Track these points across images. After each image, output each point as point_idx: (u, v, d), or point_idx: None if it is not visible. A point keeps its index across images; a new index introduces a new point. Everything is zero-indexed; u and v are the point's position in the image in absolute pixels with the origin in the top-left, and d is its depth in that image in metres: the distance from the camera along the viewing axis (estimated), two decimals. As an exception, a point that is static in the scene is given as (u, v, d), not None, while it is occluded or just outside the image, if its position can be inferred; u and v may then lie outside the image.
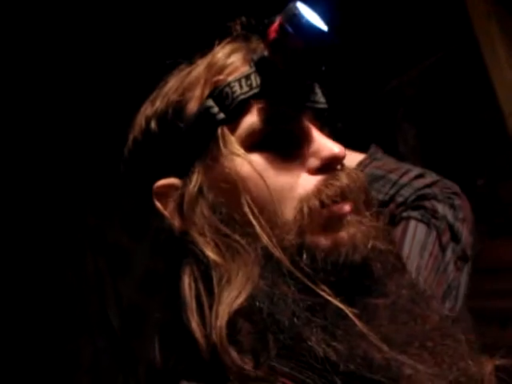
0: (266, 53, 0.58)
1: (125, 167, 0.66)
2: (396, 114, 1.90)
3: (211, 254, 0.56)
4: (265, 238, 0.55)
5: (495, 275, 1.56)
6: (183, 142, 0.60)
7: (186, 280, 0.57)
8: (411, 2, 1.68)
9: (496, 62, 1.64)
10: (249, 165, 0.57)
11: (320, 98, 0.62)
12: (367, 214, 0.60)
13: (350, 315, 0.53)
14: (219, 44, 0.63)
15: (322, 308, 0.54)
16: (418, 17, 1.71)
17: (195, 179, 0.59)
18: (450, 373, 0.55)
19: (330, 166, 0.58)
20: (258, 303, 0.53)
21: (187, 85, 0.62)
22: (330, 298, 0.54)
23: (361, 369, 0.51)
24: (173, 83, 0.63)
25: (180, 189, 0.60)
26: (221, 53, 0.62)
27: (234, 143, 0.58)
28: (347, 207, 0.58)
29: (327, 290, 0.54)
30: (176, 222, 0.60)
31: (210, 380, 0.52)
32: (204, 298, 0.55)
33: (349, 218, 0.57)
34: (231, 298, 0.53)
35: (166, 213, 0.61)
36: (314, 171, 0.58)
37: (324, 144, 0.59)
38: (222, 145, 0.58)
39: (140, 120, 0.64)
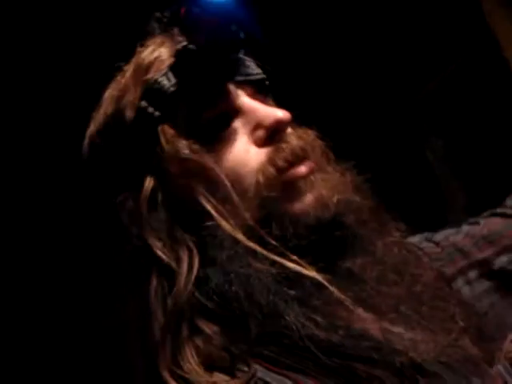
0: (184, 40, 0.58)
1: (86, 187, 0.66)
2: (422, 125, 1.86)
3: (166, 256, 0.55)
4: (223, 223, 0.54)
5: None
6: (130, 151, 0.60)
7: (152, 290, 0.55)
8: (425, 10, 1.65)
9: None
10: (196, 156, 0.56)
11: (253, 69, 0.62)
12: (330, 169, 0.59)
13: (324, 282, 0.51)
14: (141, 45, 0.63)
15: (298, 280, 0.52)
16: (435, 24, 1.69)
17: (148, 185, 0.58)
18: (440, 337, 0.52)
19: (277, 132, 0.57)
20: (233, 288, 0.51)
21: (120, 93, 0.61)
22: (298, 268, 0.52)
23: (344, 340, 0.49)
24: (107, 95, 0.63)
25: (136, 199, 0.59)
26: (145, 51, 0.62)
27: (176, 139, 0.57)
28: (304, 167, 0.56)
29: (298, 260, 0.52)
30: (135, 232, 0.58)
31: None
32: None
33: (311, 177, 0.56)
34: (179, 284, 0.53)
35: (133, 224, 0.59)
36: (263, 142, 0.58)
37: (265, 112, 0.58)
38: (164, 143, 0.57)
39: (87, 140, 0.64)
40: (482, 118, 1.69)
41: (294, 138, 0.58)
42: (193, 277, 0.54)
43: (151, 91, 0.58)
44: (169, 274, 0.55)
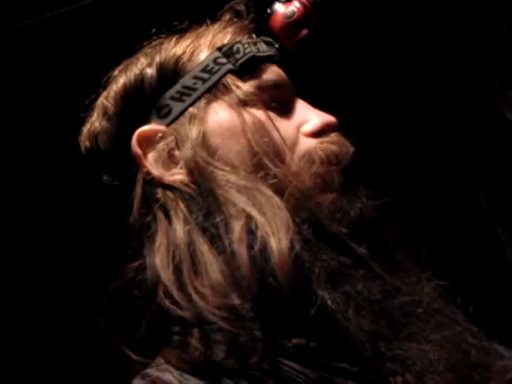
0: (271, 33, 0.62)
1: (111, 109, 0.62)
2: (494, 83, 1.73)
3: (222, 196, 0.52)
4: (275, 182, 0.53)
5: None
6: (180, 89, 0.59)
7: (167, 236, 0.53)
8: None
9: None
10: (257, 114, 0.57)
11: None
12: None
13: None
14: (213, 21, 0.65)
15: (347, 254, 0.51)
16: None
17: (197, 124, 0.57)
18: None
19: (326, 131, 0.59)
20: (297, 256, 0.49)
21: (190, 42, 0.61)
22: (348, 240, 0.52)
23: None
24: (172, 40, 0.62)
25: (170, 135, 0.57)
26: (217, 24, 0.63)
27: (246, 90, 0.58)
28: (336, 170, 0.57)
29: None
30: (159, 171, 0.56)
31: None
32: (198, 249, 0.51)
33: (340, 177, 0.57)
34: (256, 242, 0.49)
35: (145, 162, 0.57)
36: (311, 135, 0.59)
37: (320, 112, 0.61)
38: (232, 91, 0.58)
39: (132, 70, 0.61)
40: None
41: (340, 139, 0.60)
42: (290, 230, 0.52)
43: (231, 48, 0.60)
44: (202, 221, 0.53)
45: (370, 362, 0.48)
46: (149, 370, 0.50)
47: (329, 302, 0.47)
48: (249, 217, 0.51)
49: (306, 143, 0.58)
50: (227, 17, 0.64)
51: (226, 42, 0.61)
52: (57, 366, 1.48)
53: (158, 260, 0.52)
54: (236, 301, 0.50)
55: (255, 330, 0.47)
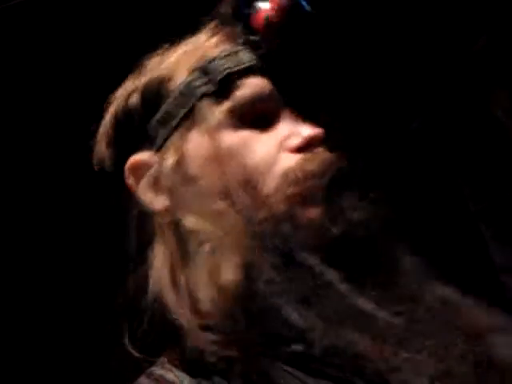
0: (255, 33, 0.59)
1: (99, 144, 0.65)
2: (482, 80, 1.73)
3: (191, 224, 0.55)
4: (245, 209, 0.54)
5: None
6: (163, 114, 0.60)
7: (159, 257, 0.56)
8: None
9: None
10: (232, 138, 0.58)
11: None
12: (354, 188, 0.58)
13: (330, 274, 0.51)
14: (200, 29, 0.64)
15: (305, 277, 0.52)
16: None
17: (173, 152, 0.59)
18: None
19: (311, 145, 0.59)
20: (252, 282, 0.51)
21: (173, 60, 0.62)
22: (314, 264, 0.52)
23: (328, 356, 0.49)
24: (157, 59, 0.64)
25: (156, 163, 0.59)
26: (204, 34, 0.63)
27: (218, 116, 0.58)
28: (325, 181, 0.57)
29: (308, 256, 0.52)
30: (148, 199, 0.59)
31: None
32: (179, 273, 0.54)
33: (324, 194, 0.57)
34: (222, 270, 0.52)
35: (137, 190, 0.59)
36: (294, 150, 0.59)
37: (305, 124, 0.60)
38: (205, 117, 0.58)
39: (121, 94, 0.64)
40: None
41: (324, 152, 0.59)
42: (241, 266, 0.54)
43: (206, 67, 0.60)
44: (183, 243, 0.55)
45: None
46: (153, 369, 0.53)
47: (300, 323, 0.49)
48: (209, 246, 0.54)
49: (286, 161, 0.58)
50: (213, 24, 0.64)
51: (207, 56, 0.61)
52: (57, 366, 1.48)
53: (156, 277, 0.55)
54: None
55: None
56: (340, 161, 0.59)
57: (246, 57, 0.60)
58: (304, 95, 0.63)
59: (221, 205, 0.55)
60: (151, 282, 0.56)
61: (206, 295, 0.52)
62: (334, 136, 0.62)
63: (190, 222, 0.55)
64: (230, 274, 0.52)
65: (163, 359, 0.54)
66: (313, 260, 0.53)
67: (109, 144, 0.63)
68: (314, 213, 0.56)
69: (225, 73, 0.59)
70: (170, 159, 0.58)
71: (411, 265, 0.58)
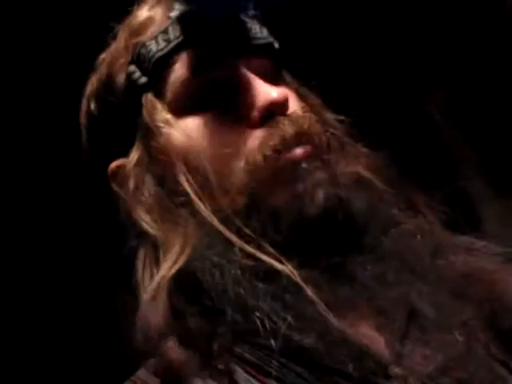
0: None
1: (84, 154, 0.63)
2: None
3: (153, 230, 0.53)
4: (201, 207, 0.51)
5: None
6: (119, 118, 0.57)
7: (140, 263, 0.54)
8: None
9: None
10: (181, 132, 0.54)
11: (259, 34, 0.56)
12: (333, 158, 0.53)
13: (298, 280, 0.47)
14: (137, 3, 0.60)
15: (274, 275, 0.48)
16: None
17: (136, 155, 0.56)
18: (440, 354, 0.46)
19: (271, 114, 0.53)
20: (205, 276, 0.49)
21: (112, 56, 0.59)
22: (273, 262, 0.48)
23: (316, 344, 0.45)
24: (102, 58, 0.61)
25: (129, 168, 0.57)
26: (139, 11, 0.59)
27: (160, 110, 0.54)
28: (292, 155, 0.52)
29: (274, 254, 0.49)
30: (132, 209, 0.56)
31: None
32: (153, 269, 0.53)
33: (302, 165, 0.51)
34: (163, 270, 0.51)
35: (123, 196, 0.57)
36: (256, 124, 0.53)
37: (260, 91, 0.53)
38: (148, 114, 0.55)
39: (82, 103, 0.62)
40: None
41: (288, 122, 0.53)
42: (183, 254, 0.51)
43: (139, 56, 0.55)
44: (156, 247, 0.53)
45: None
46: (138, 371, 0.50)
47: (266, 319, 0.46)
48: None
49: (245, 144, 0.53)
50: (146, 4, 0.59)
51: (140, 40, 0.56)
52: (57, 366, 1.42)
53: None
54: None
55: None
56: (307, 117, 0.55)
57: (174, 33, 0.55)
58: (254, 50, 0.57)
59: (179, 210, 0.53)
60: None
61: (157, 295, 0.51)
62: (300, 96, 0.58)
63: (151, 230, 0.54)
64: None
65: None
66: (284, 256, 0.49)
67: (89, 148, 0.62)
68: (284, 195, 0.51)
69: (154, 59, 0.55)
70: (132, 163, 0.56)
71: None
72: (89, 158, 0.63)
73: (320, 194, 0.50)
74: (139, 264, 0.54)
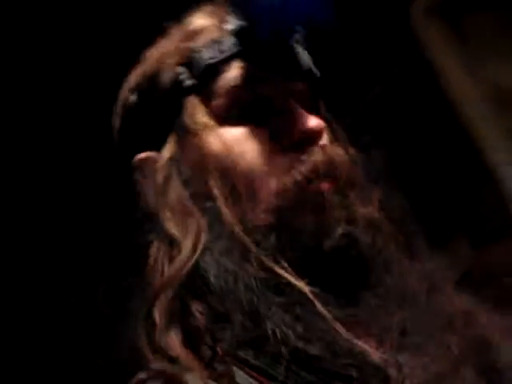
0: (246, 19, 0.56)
1: (115, 144, 0.65)
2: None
3: (172, 227, 0.55)
4: (226, 212, 0.53)
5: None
6: (158, 113, 0.59)
7: (152, 260, 0.56)
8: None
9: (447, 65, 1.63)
10: (218, 139, 0.55)
11: (303, 60, 0.58)
12: (352, 195, 0.56)
13: (309, 294, 0.50)
14: (194, 11, 0.62)
15: (286, 288, 0.51)
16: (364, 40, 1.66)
17: (169, 152, 0.58)
18: (437, 366, 0.49)
19: (305, 141, 0.55)
20: (220, 282, 0.51)
21: (162, 54, 0.61)
22: (287, 276, 0.51)
23: (322, 354, 0.48)
24: (150, 54, 0.63)
25: (156, 162, 0.58)
26: (194, 19, 0.61)
27: (202, 114, 0.56)
28: (319, 187, 0.54)
29: (289, 269, 0.51)
30: (150, 198, 0.58)
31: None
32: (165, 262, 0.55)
33: (325, 198, 0.54)
34: (176, 265, 0.53)
35: (144, 189, 0.59)
36: (290, 147, 0.55)
37: (299, 117, 0.55)
38: (190, 115, 0.57)
39: (121, 95, 0.64)
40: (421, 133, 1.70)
41: (321, 152, 0.55)
42: (195, 255, 0.52)
43: (190, 59, 0.57)
44: (172, 245, 0.54)
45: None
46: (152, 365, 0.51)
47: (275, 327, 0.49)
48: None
49: (276, 165, 0.55)
50: (209, 8, 0.62)
51: (193, 46, 0.59)
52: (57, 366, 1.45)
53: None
54: None
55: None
56: (337, 163, 0.57)
57: (227, 45, 0.57)
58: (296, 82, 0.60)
59: (201, 214, 0.55)
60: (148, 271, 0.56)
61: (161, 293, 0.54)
62: (331, 132, 0.60)
63: (171, 230, 0.55)
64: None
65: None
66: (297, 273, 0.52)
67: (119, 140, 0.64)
68: (304, 223, 0.54)
69: (205, 64, 0.57)
70: (164, 159, 0.58)
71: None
72: (117, 147, 0.64)
73: (338, 231, 0.53)
74: (151, 259, 0.56)
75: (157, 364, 0.50)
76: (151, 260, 0.56)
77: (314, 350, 0.48)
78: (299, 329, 0.49)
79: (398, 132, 1.65)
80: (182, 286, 0.52)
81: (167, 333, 0.50)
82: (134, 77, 0.63)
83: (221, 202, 0.54)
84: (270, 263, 0.51)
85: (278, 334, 0.48)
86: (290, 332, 0.48)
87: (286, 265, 0.52)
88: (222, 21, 0.59)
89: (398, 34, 1.65)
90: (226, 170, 0.55)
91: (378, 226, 0.57)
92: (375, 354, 0.49)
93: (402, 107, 1.72)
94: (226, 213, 0.53)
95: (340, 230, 0.53)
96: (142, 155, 0.60)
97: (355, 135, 0.61)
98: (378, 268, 0.55)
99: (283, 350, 0.47)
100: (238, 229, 0.52)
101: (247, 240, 0.52)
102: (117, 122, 0.64)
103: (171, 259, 0.54)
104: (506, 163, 1.53)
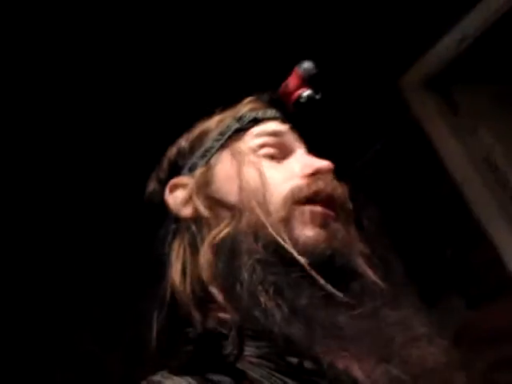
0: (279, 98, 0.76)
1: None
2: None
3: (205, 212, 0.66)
4: (250, 223, 0.62)
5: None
6: (203, 150, 0.73)
7: (174, 253, 0.66)
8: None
9: (438, 135, 1.71)
10: (253, 162, 0.68)
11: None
12: (349, 228, 0.65)
13: (314, 275, 0.58)
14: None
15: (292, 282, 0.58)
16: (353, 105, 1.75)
17: (204, 171, 0.70)
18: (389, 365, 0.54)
19: (319, 173, 0.67)
20: (237, 279, 0.58)
21: (215, 119, 0.75)
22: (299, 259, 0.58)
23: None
24: (203, 121, 0.77)
25: (192, 183, 0.70)
26: (241, 103, 0.77)
27: (242, 144, 0.71)
28: (327, 211, 0.64)
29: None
30: (176, 208, 0.70)
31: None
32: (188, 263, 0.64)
33: (328, 221, 0.64)
34: (211, 237, 0.63)
35: (172, 205, 0.70)
36: (306, 175, 0.67)
37: (316, 158, 0.70)
38: (234, 143, 0.71)
39: (174, 145, 0.77)
40: (411, 189, 1.76)
41: (331, 181, 0.67)
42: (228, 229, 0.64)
43: (240, 116, 0.74)
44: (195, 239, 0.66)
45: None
46: (153, 377, 0.56)
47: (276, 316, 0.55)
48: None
49: (293, 183, 0.66)
50: (249, 98, 0.78)
51: (240, 112, 0.74)
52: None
53: (176, 282, 0.64)
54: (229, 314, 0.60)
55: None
56: (341, 189, 0.68)
57: (271, 112, 0.75)
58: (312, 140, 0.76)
59: (229, 215, 0.65)
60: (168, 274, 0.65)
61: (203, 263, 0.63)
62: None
63: (205, 224, 0.66)
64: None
65: (164, 371, 0.57)
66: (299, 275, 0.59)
67: (161, 180, 0.75)
68: (308, 233, 0.63)
69: (252, 116, 0.73)
70: (203, 176, 0.70)
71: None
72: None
73: (330, 251, 0.61)
74: (173, 254, 0.66)
75: (157, 377, 0.55)
76: (173, 256, 0.66)
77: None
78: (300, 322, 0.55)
79: (393, 193, 1.72)
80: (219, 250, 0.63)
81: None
82: (185, 135, 0.77)
83: (246, 207, 0.64)
84: (292, 249, 0.60)
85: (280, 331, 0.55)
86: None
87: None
88: (261, 103, 0.77)
89: (389, 105, 1.76)
90: (255, 184, 0.66)
91: (370, 261, 0.65)
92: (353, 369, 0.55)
93: (396, 171, 1.79)
94: (246, 214, 0.64)
95: (330, 252, 0.61)
96: (176, 180, 0.73)
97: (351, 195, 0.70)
98: (360, 299, 0.59)
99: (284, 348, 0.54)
100: (266, 223, 0.62)
101: (276, 233, 0.62)
102: (165, 162, 0.77)
103: (193, 254, 0.65)
104: (496, 222, 1.61)
